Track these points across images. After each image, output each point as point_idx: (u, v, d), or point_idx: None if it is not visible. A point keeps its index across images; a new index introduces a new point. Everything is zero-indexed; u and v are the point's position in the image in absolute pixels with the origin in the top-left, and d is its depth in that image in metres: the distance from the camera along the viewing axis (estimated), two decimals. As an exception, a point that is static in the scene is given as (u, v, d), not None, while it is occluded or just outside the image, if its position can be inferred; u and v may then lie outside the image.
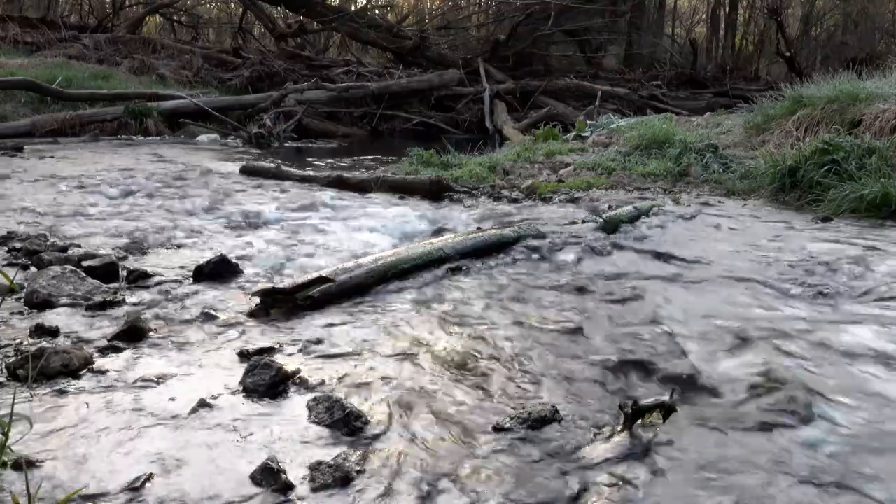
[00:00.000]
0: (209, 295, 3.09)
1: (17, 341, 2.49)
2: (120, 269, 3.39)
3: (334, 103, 13.25)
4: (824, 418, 1.99)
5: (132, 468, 1.71)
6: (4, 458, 1.63)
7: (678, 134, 7.04)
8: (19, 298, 2.93)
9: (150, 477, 1.67)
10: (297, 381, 2.20)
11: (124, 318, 2.66)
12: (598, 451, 1.83)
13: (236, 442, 1.85)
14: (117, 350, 2.44)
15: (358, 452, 1.79)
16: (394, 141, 12.32)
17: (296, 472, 1.70)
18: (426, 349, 2.48)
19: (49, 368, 2.21)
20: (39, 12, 17.96)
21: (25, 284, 3.02)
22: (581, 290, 3.16)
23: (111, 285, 3.17)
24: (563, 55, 18.72)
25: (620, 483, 1.69)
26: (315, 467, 1.71)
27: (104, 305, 2.88)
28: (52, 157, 7.97)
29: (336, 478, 1.68)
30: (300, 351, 2.46)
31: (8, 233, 4.14)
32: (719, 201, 5.21)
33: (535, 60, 17.36)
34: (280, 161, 8.15)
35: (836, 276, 3.31)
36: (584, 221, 4.38)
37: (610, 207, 4.84)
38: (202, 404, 2.03)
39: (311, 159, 9.04)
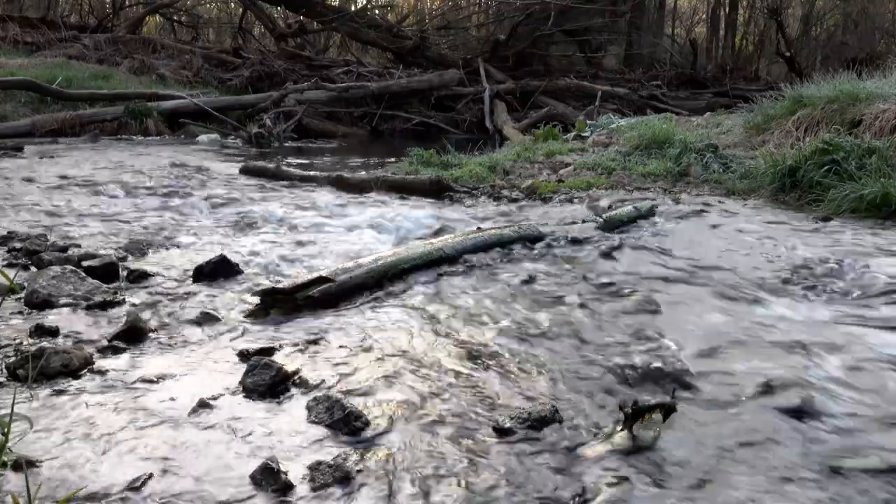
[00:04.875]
0: (209, 295, 3.09)
1: (17, 341, 2.49)
2: (120, 269, 3.39)
3: (334, 103, 13.26)
4: (826, 418, 1.99)
5: (132, 468, 1.71)
6: (4, 458, 1.63)
7: (678, 134, 7.04)
8: (19, 298, 2.93)
9: (150, 477, 1.67)
10: (297, 381, 2.20)
11: (124, 319, 2.66)
12: (598, 450, 1.83)
13: (236, 442, 1.85)
14: (117, 350, 2.44)
15: (358, 452, 1.79)
16: (394, 141, 12.32)
17: (296, 472, 1.70)
18: (426, 349, 2.48)
19: (49, 368, 2.21)
20: (39, 12, 17.96)
21: (25, 284, 3.02)
22: (581, 290, 3.15)
23: (111, 285, 3.17)
24: (563, 55, 18.71)
25: (620, 483, 1.69)
26: (315, 467, 1.71)
27: (104, 305, 2.88)
28: (52, 157, 7.97)
29: (336, 478, 1.68)
30: (300, 351, 2.46)
31: (8, 233, 4.14)
32: (719, 201, 5.21)
33: (535, 60, 17.36)
34: (280, 161, 8.16)
35: (837, 276, 3.31)
36: (584, 221, 4.38)
37: (610, 207, 4.84)
38: (202, 404, 2.03)
39: (311, 159, 9.05)
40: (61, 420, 1.94)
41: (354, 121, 13.51)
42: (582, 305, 2.96)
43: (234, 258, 3.53)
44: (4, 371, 2.24)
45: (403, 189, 5.86)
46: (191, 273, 3.38)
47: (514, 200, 5.50)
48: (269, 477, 1.66)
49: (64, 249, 3.77)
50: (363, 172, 6.93)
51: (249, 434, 1.89)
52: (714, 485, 1.69)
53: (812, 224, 4.43)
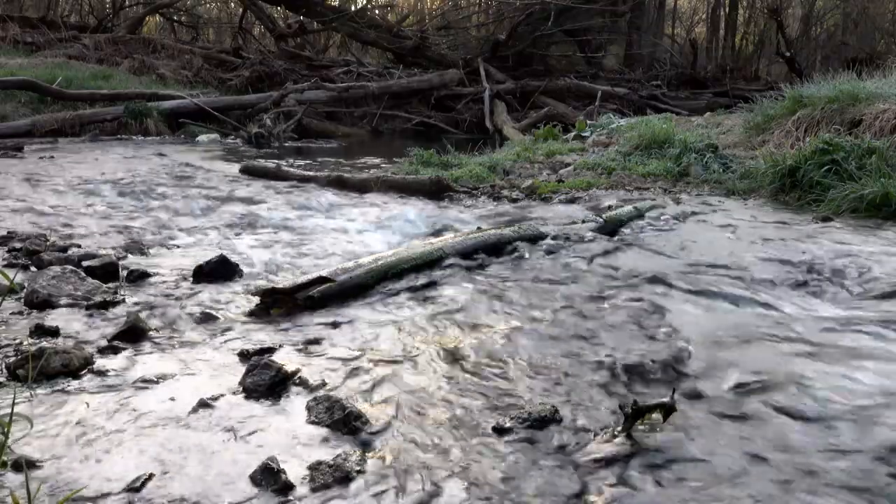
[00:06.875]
0: (209, 295, 3.09)
1: (17, 341, 2.49)
2: (120, 269, 3.39)
3: (334, 103, 13.25)
4: (826, 417, 1.99)
5: (132, 468, 1.71)
6: (4, 458, 1.63)
7: (678, 134, 7.04)
8: (19, 298, 2.93)
9: (150, 477, 1.67)
10: (297, 381, 2.20)
11: (124, 319, 2.66)
12: (599, 451, 1.83)
13: (236, 442, 1.85)
14: (117, 350, 2.44)
15: (358, 452, 1.79)
16: (394, 141, 12.32)
17: (296, 472, 1.70)
18: (426, 349, 2.48)
19: (49, 368, 2.21)
20: (39, 12, 17.94)
21: (25, 284, 3.02)
22: (581, 290, 3.15)
23: (111, 285, 3.17)
24: (563, 55, 18.70)
25: (620, 483, 1.69)
26: (315, 467, 1.71)
27: (104, 305, 2.88)
28: (52, 157, 7.97)
29: (336, 478, 1.68)
30: (300, 351, 2.46)
31: (8, 233, 4.14)
32: (719, 201, 5.21)
33: (534, 60, 17.35)
34: (280, 161, 8.16)
35: (837, 276, 3.31)
36: (584, 221, 4.38)
37: (610, 207, 4.84)
38: (202, 404, 2.03)
39: (311, 159, 9.05)
40: (61, 420, 1.94)
41: (354, 121, 13.51)
42: (582, 305, 2.96)
43: (234, 258, 3.53)
44: (4, 371, 2.24)
45: (403, 189, 5.86)
46: (191, 273, 3.38)
47: (515, 200, 5.50)
48: (269, 477, 1.66)
49: (64, 249, 3.77)
50: (363, 172, 6.93)
51: (249, 434, 1.89)
52: (714, 485, 1.69)
53: (812, 224, 4.43)
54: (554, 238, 3.92)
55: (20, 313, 2.81)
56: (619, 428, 1.91)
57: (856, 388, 2.16)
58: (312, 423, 1.95)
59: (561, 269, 3.49)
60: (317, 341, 2.54)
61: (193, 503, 1.59)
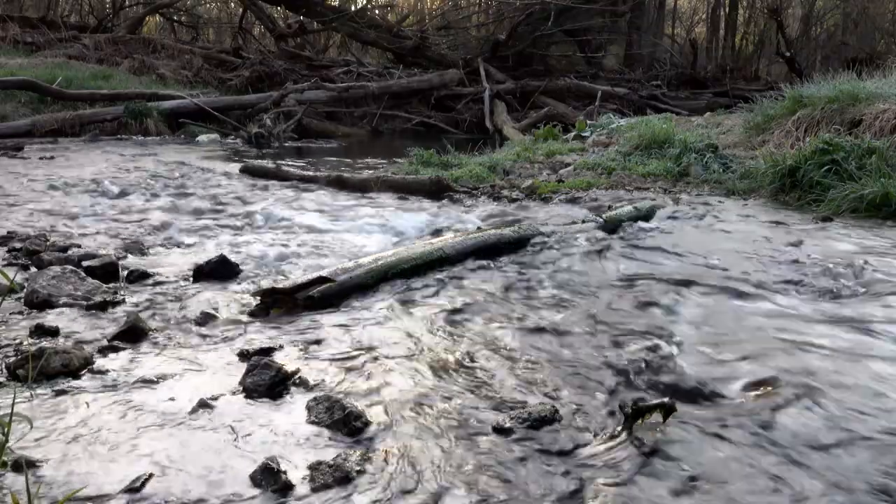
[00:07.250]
0: (209, 295, 3.09)
1: (17, 341, 2.49)
2: (120, 269, 3.39)
3: (334, 103, 13.26)
4: (826, 416, 1.99)
5: (132, 468, 1.71)
6: (4, 458, 1.63)
7: (678, 134, 7.04)
8: (19, 298, 2.93)
9: (150, 477, 1.67)
10: (297, 381, 2.20)
11: (124, 319, 2.66)
12: (599, 451, 1.83)
13: (236, 442, 1.85)
14: (117, 350, 2.44)
15: (358, 452, 1.79)
16: (394, 141, 12.32)
17: (296, 472, 1.70)
18: (426, 349, 2.48)
19: (49, 368, 2.21)
20: (39, 12, 17.95)
21: (25, 284, 3.02)
22: (581, 291, 3.15)
23: (111, 285, 3.17)
24: (562, 55, 18.72)
25: (620, 483, 1.69)
26: (315, 467, 1.71)
27: (104, 305, 2.88)
28: (51, 157, 7.98)
29: (336, 478, 1.68)
30: (300, 351, 2.46)
31: (8, 233, 4.14)
32: (719, 201, 5.21)
33: (534, 60, 17.36)
34: (280, 161, 8.16)
35: (837, 276, 3.31)
36: (584, 221, 4.38)
37: (610, 207, 4.84)
38: (202, 404, 2.03)
39: (311, 159, 9.05)
40: (61, 420, 1.94)
41: (354, 121, 13.51)
42: (581, 305, 2.96)
43: (234, 258, 3.53)
44: (4, 371, 2.24)
45: (403, 189, 5.86)
46: (191, 273, 3.38)
47: (514, 200, 5.50)
48: (269, 477, 1.66)
49: (64, 249, 3.77)
50: (363, 172, 6.93)
51: (249, 434, 1.89)
52: (715, 485, 1.69)
53: (812, 224, 4.43)
54: (553, 238, 3.92)
55: (20, 313, 2.81)
56: (619, 428, 1.91)
57: (854, 387, 2.16)
58: (312, 422, 1.95)
59: (560, 268, 3.49)
60: (317, 341, 2.54)
61: (193, 503, 1.59)
